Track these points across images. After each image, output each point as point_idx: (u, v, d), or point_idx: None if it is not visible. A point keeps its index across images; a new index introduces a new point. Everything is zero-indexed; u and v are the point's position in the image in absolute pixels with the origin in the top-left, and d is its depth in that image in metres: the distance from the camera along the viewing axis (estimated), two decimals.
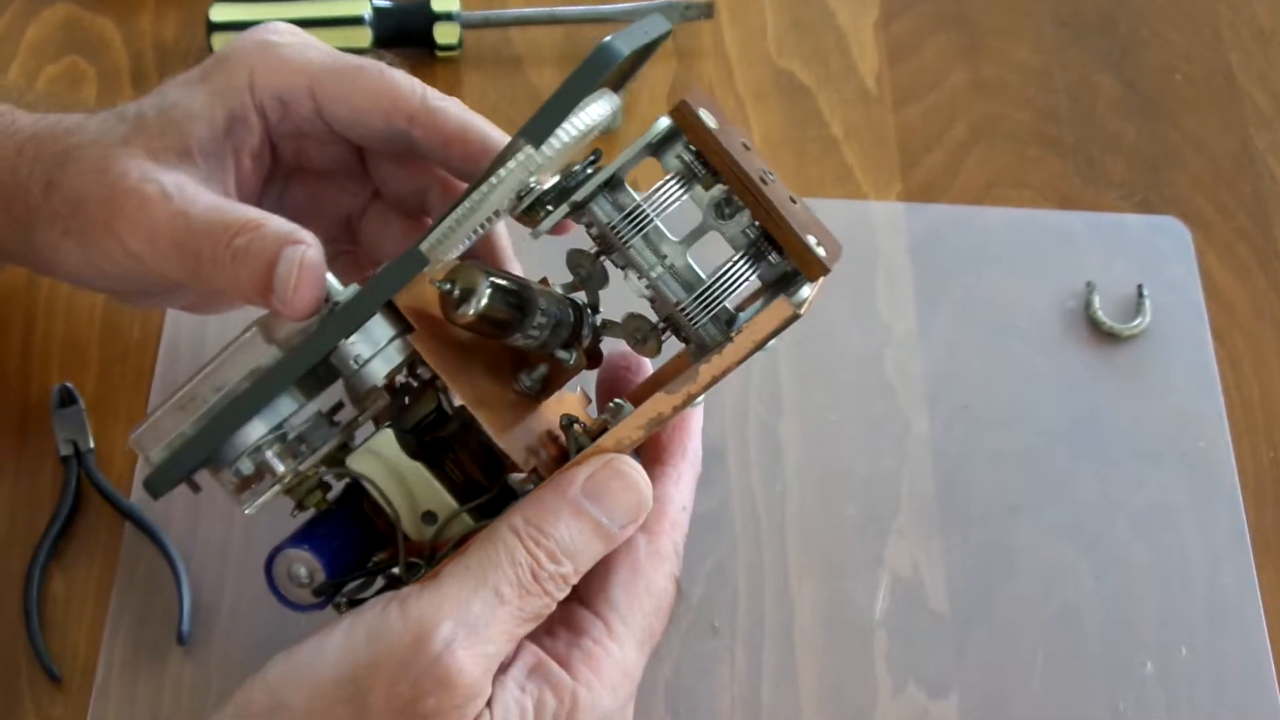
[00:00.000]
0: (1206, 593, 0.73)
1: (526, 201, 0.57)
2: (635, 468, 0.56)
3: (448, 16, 0.87)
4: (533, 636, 0.56)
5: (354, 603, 0.60)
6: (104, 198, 0.62)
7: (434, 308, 0.58)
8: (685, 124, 0.57)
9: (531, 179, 0.57)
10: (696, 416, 0.62)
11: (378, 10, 0.87)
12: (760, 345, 0.56)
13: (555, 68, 0.88)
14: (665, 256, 0.57)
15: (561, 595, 0.55)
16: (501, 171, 0.56)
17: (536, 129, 0.56)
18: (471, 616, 0.52)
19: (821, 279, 0.56)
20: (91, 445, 0.74)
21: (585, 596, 0.58)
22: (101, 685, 0.68)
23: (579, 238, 0.60)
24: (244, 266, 0.59)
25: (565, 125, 0.56)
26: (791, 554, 0.73)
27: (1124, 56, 0.90)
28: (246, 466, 0.58)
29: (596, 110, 0.58)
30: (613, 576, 0.58)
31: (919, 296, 0.80)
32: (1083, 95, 0.89)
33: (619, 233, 0.57)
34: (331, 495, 0.61)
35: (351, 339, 0.57)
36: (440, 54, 0.88)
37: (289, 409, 0.58)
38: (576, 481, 0.55)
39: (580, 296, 0.60)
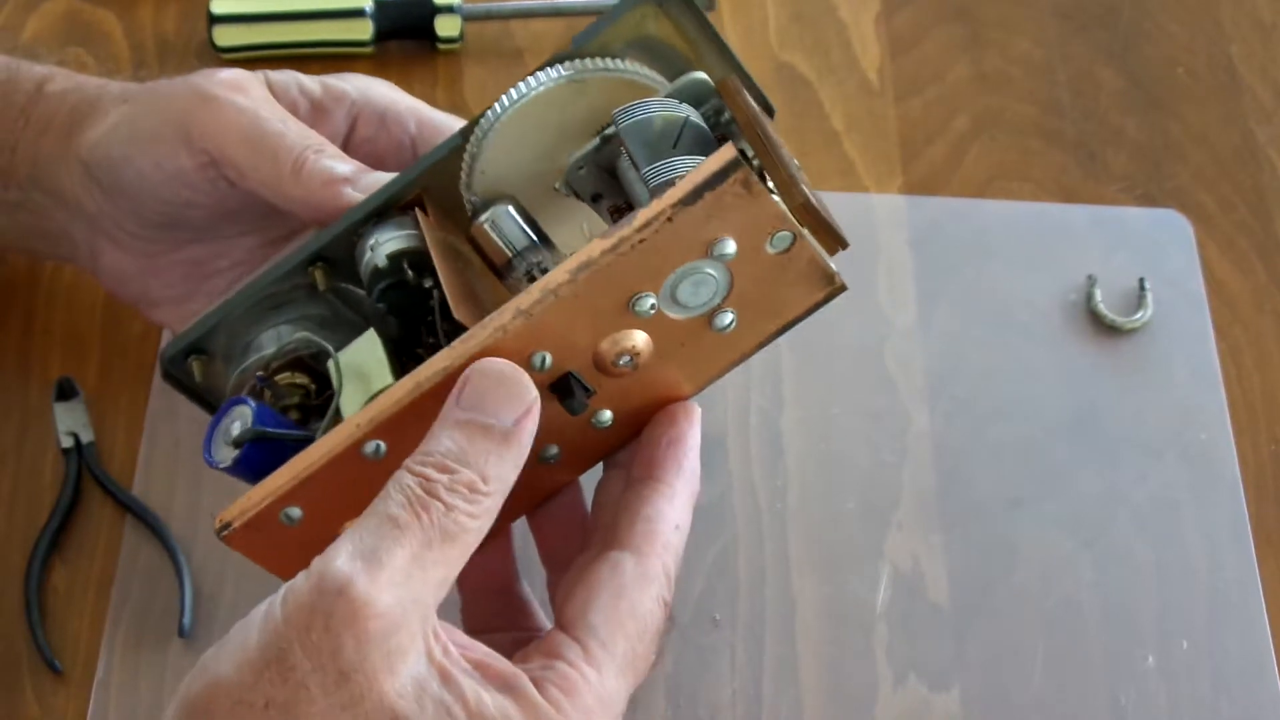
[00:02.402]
0: (1208, 586, 0.73)
1: (566, 176, 0.59)
2: (499, 361, 0.53)
3: (449, 9, 0.87)
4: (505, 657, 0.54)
5: None
6: (200, 83, 0.66)
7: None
8: (728, 92, 0.57)
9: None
10: (694, 434, 0.59)
11: (379, 3, 0.87)
12: (694, 197, 0.52)
13: None
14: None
15: (476, 509, 0.51)
16: (551, 68, 0.59)
17: (582, 39, 0.59)
18: (366, 547, 0.49)
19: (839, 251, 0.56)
20: (92, 437, 0.74)
21: (564, 621, 0.55)
22: (103, 678, 0.69)
23: None
24: (328, 160, 0.63)
25: (619, 62, 0.59)
26: (792, 546, 0.73)
27: (1126, 50, 0.90)
28: (242, 373, 0.60)
29: (649, 70, 0.60)
30: (593, 600, 0.55)
31: (920, 290, 0.80)
32: (1084, 88, 0.89)
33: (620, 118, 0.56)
34: None
35: (377, 226, 0.60)
36: (441, 47, 0.88)
37: (297, 313, 0.61)
38: (449, 399, 0.53)
39: None
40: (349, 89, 0.69)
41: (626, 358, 0.56)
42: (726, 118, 0.58)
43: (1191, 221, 0.83)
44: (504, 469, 0.52)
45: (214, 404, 0.63)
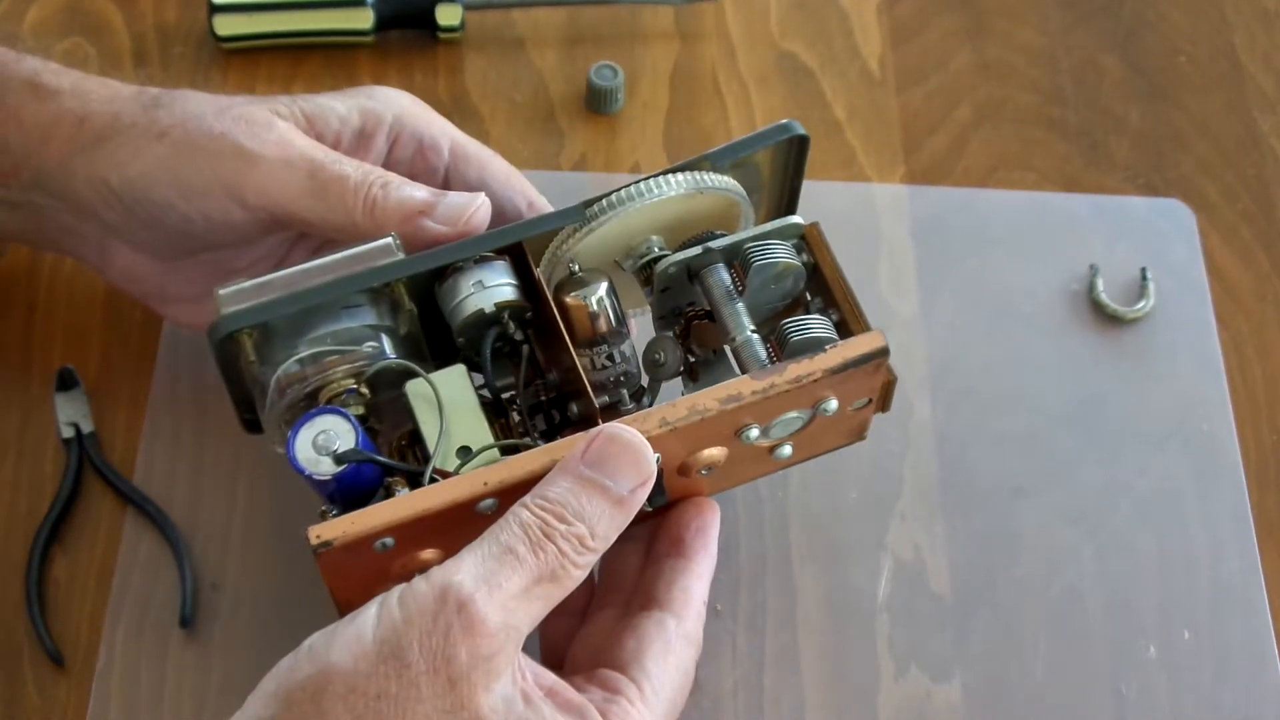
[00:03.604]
0: (1209, 576, 0.73)
1: (646, 259, 0.64)
2: (630, 431, 0.57)
3: None
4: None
5: None
6: (241, 140, 0.65)
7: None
8: (814, 239, 0.64)
9: (659, 248, 0.64)
10: (716, 524, 0.65)
11: None
12: (842, 368, 0.59)
13: (558, 49, 0.88)
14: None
15: (581, 559, 0.55)
16: (680, 175, 0.63)
17: (717, 158, 0.64)
18: (488, 571, 0.54)
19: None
20: (93, 428, 0.74)
21: (621, 663, 0.60)
22: (103, 668, 0.69)
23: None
24: (399, 193, 0.64)
25: (730, 181, 0.64)
26: (794, 537, 0.73)
27: (1129, 38, 0.90)
28: (300, 364, 0.60)
29: (743, 190, 0.65)
30: (647, 648, 0.60)
31: (922, 280, 0.80)
32: (1087, 77, 0.89)
33: (749, 251, 0.62)
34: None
35: (476, 265, 0.61)
36: (442, 36, 0.88)
37: (369, 319, 0.61)
38: (575, 451, 0.57)
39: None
40: (385, 111, 0.69)
41: (707, 469, 0.62)
42: (806, 259, 0.64)
43: (1194, 211, 0.83)
44: (611, 530, 0.57)
45: (238, 379, 0.63)
